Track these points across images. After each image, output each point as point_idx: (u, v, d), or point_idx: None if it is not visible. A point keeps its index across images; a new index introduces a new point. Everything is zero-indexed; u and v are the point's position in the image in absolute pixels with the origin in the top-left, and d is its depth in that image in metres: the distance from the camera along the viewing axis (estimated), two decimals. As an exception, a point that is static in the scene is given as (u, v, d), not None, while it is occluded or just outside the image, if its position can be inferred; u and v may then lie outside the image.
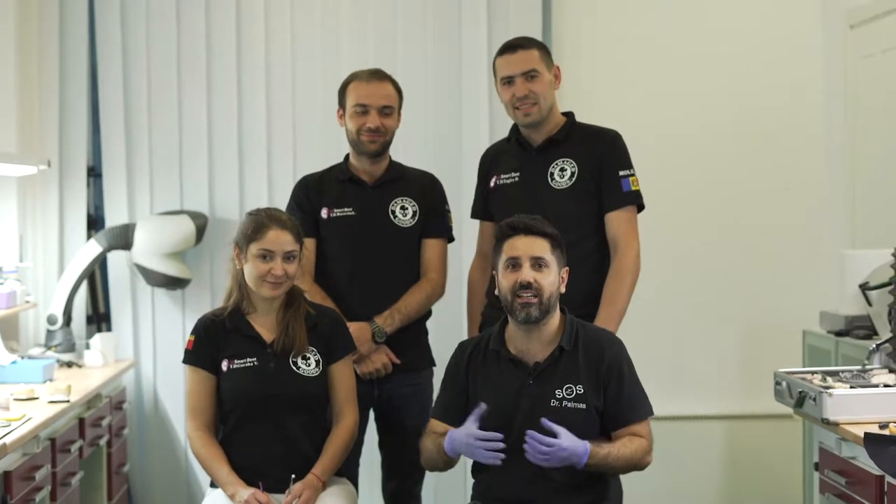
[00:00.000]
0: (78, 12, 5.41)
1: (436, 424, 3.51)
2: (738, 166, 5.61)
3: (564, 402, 3.36)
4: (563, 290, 3.44)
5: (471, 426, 3.32)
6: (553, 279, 3.39)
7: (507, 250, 3.41)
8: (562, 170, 3.96)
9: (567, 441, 3.25)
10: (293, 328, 3.64)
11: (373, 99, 4.06)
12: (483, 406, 3.33)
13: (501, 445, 3.28)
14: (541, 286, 3.36)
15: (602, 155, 3.96)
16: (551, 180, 3.96)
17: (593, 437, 3.36)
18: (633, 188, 3.96)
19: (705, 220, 5.62)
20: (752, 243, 5.62)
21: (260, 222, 3.62)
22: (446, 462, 3.47)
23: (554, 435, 3.25)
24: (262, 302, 3.66)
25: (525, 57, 3.94)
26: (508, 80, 3.96)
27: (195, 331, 3.68)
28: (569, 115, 4.07)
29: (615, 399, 3.38)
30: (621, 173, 3.95)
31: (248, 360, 3.63)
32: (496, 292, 3.47)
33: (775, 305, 5.59)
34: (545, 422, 3.26)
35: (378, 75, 4.13)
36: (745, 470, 5.58)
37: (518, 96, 3.93)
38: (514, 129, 4.09)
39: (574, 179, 3.94)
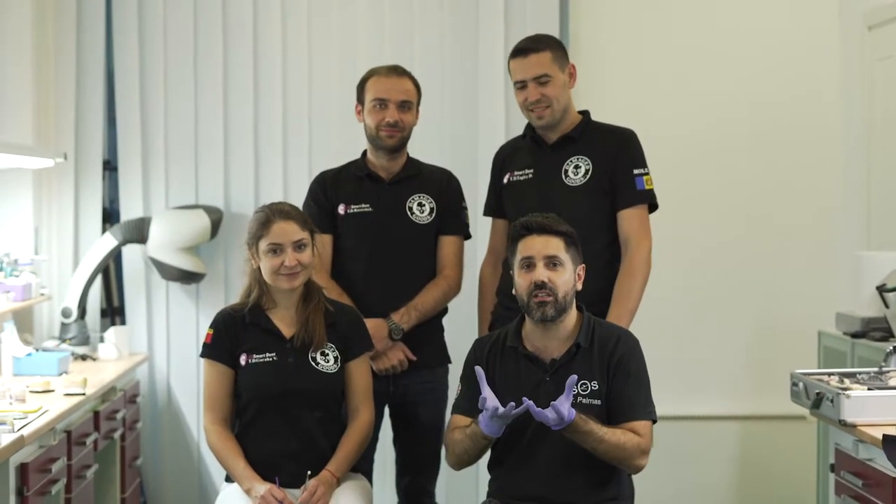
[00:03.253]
0: (95, 5, 5.41)
1: (459, 419, 3.48)
2: (753, 166, 5.61)
3: (580, 399, 3.36)
4: (579, 287, 3.44)
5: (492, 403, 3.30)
6: (568, 277, 3.39)
7: (521, 250, 3.41)
8: (576, 167, 3.96)
9: (563, 407, 3.22)
10: (312, 323, 3.65)
11: (392, 93, 4.06)
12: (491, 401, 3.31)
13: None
14: (555, 285, 3.36)
15: (617, 153, 3.96)
16: (565, 178, 3.96)
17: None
18: (647, 187, 3.96)
19: (720, 220, 5.62)
20: (766, 243, 5.61)
21: (264, 218, 3.63)
22: (485, 447, 3.42)
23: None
24: (282, 297, 3.66)
25: (537, 61, 3.94)
26: (521, 84, 3.96)
27: (214, 324, 3.69)
28: (584, 114, 4.07)
29: (617, 393, 3.38)
30: (636, 172, 3.95)
31: (268, 354, 3.63)
32: (513, 292, 3.47)
33: (789, 306, 5.58)
34: (570, 381, 3.24)
35: (397, 71, 4.13)
36: (757, 470, 5.58)
37: (531, 101, 3.94)
38: (529, 125, 4.09)
39: (588, 177, 3.94)
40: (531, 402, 3.23)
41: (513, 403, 3.24)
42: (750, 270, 5.61)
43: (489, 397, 3.29)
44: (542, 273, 3.36)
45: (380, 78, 4.09)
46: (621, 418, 3.38)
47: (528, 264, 3.39)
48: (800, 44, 5.61)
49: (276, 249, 3.60)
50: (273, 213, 3.64)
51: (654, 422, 3.43)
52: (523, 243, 3.41)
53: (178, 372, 5.50)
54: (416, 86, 4.13)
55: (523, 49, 3.98)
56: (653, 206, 4.01)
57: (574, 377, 3.26)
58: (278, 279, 3.61)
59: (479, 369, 3.34)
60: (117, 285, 5.63)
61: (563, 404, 3.22)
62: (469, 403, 3.47)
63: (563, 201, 3.88)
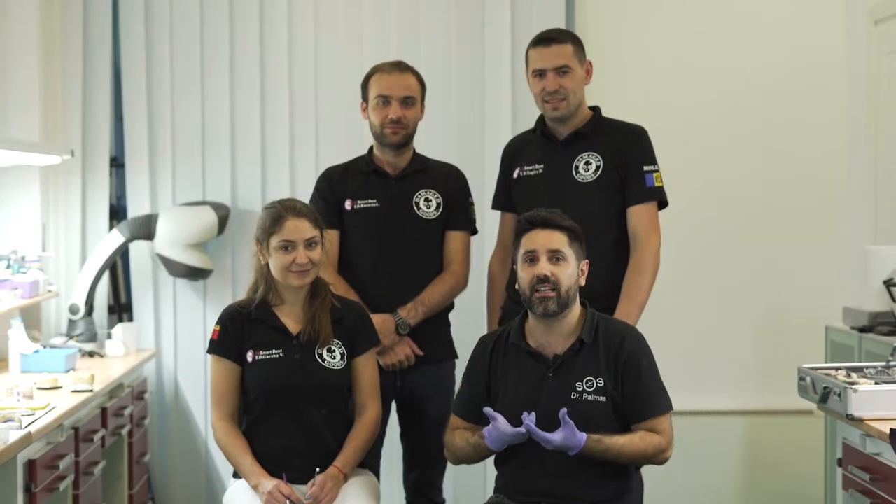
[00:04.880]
0: (102, 2, 5.41)
1: (458, 421, 3.52)
2: (760, 161, 5.60)
3: (584, 395, 3.36)
4: (582, 282, 3.44)
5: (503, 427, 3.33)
6: (571, 272, 3.39)
7: (525, 244, 3.42)
8: (587, 163, 3.96)
9: (559, 438, 3.26)
10: (319, 320, 3.65)
11: (395, 90, 4.06)
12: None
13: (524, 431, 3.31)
14: (558, 279, 3.36)
15: (628, 150, 3.97)
16: (576, 173, 3.96)
17: (612, 430, 3.35)
18: (657, 184, 3.97)
19: (726, 214, 5.61)
20: (773, 238, 5.60)
21: (277, 214, 3.63)
22: (486, 456, 3.46)
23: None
24: (289, 293, 3.66)
25: (559, 51, 3.94)
26: (540, 73, 3.96)
27: (221, 321, 3.69)
28: (595, 110, 4.08)
29: (633, 392, 3.38)
30: (646, 168, 3.96)
31: (274, 351, 3.63)
32: (516, 286, 3.47)
33: (796, 300, 5.57)
34: (562, 413, 3.26)
35: (400, 67, 4.13)
36: (764, 465, 5.57)
37: (548, 91, 3.94)
38: (541, 120, 4.09)
39: (599, 173, 3.94)
40: (541, 432, 3.26)
41: (524, 430, 3.27)
42: (757, 265, 5.60)
43: (503, 423, 3.31)
44: (544, 267, 3.36)
45: (383, 75, 4.09)
46: (639, 417, 3.38)
47: (532, 258, 3.39)
48: (806, 38, 5.60)
49: (287, 246, 3.60)
50: (286, 210, 3.64)
51: (671, 409, 3.43)
52: (527, 237, 3.41)
53: (185, 368, 5.50)
54: (420, 81, 4.12)
55: (546, 38, 3.98)
56: (663, 204, 4.01)
57: (564, 410, 3.26)
58: (289, 276, 3.61)
59: (488, 410, 3.34)
60: (124, 282, 5.64)
61: (558, 435, 3.25)
62: (468, 405, 3.49)
63: (573, 197, 3.89)
